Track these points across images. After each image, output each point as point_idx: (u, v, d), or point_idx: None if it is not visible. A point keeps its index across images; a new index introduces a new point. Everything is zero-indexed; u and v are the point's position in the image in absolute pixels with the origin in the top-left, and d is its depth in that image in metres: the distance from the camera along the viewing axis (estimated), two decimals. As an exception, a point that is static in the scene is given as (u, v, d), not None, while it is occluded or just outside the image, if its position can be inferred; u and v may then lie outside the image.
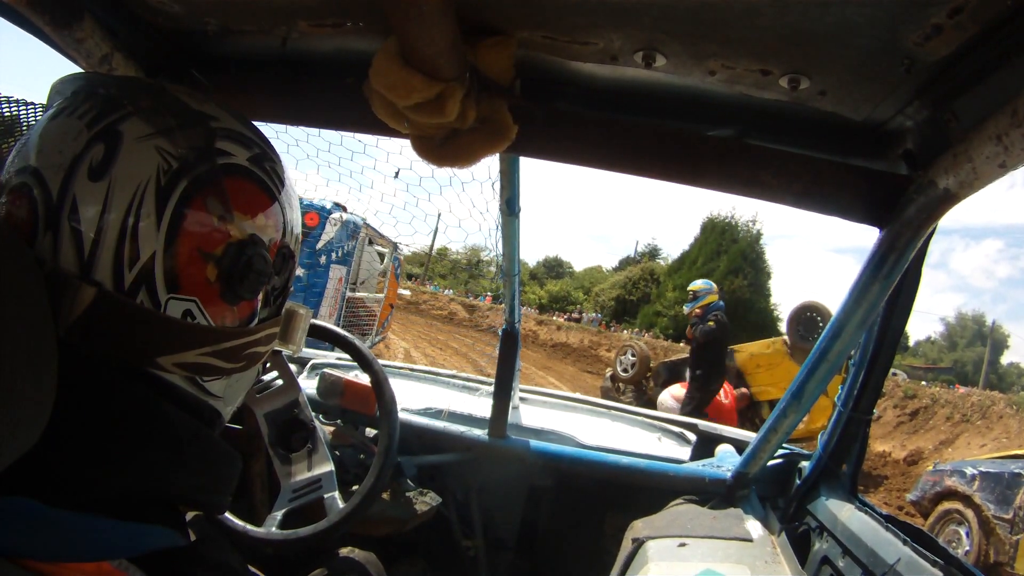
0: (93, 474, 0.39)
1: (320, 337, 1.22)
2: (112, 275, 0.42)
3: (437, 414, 1.52)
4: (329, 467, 1.13)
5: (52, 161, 0.43)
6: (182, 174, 0.44)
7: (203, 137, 0.46)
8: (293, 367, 1.21)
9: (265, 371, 1.17)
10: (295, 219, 0.54)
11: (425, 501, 1.29)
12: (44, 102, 0.52)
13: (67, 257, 0.42)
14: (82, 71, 0.51)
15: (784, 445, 1.26)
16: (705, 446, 1.53)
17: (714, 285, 5.63)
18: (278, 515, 1.10)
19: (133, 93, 0.47)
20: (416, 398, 1.65)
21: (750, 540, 1.04)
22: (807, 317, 6.18)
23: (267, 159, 0.51)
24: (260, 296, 0.51)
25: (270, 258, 0.50)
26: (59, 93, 0.49)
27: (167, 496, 0.45)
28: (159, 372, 0.45)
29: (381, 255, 8.24)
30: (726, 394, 5.50)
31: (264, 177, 0.50)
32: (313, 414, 1.18)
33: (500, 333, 1.43)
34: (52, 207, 0.42)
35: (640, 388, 7.71)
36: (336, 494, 1.11)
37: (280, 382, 1.17)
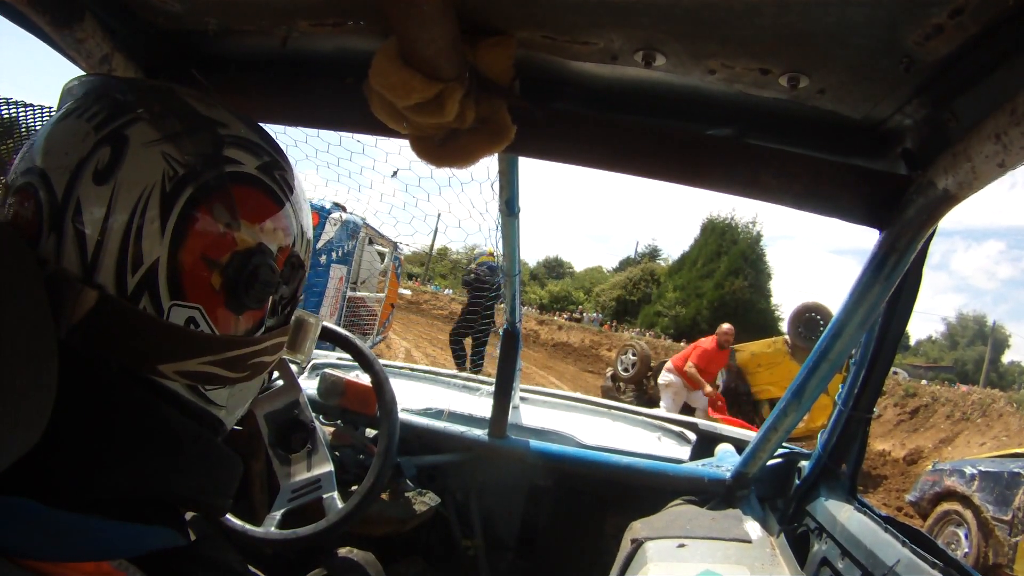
0: (92, 475, 0.39)
1: (321, 337, 1.22)
2: (115, 279, 0.42)
3: (437, 414, 1.52)
4: (329, 467, 1.13)
5: (58, 162, 0.43)
6: (187, 181, 0.44)
7: (210, 144, 0.46)
8: (293, 367, 1.21)
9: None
10: (306, 227, 0.53)
11: (425, 501, 1.29)
12: (43, 104, 0.52)
13: (70, 259, 0.42)
14: (96, 74, 0.51)
15: (784, 444, 1.26)
16: (705, 446, 1.52)
17: (488, 248, 7.13)
18: (277, 515, 1.10)
19: (142, 97, 0.46)
20: (416, 398, 1.65)
21: (749, 541, 1.04)
22: (808, 317, 6.19)
23: (277, 167, 0.50)
24: (267, 305, 0.51)
25: (278, 267, 0.50)
26: (70, 94, 0.48)
27: (167, 498, 0.45)
28: (160, 379, 0.45)
29: (381, 255, 8.24)
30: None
31: (273, 185, 0.49)
32: (313, 414, 1.18)
33: (501, 333, 1.43)
34: (57, 208, 0.42)
35: (641, 388, 7.72)
36: (335, 494, 1.11)
37: (280, 382, 1.17)
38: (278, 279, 0.50)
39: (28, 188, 0.43)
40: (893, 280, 0.78)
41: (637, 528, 1.12)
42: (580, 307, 28.64)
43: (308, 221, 0.54)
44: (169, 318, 0.44)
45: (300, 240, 0.52)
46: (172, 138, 0.44)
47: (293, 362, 0.62)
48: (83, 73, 0.69)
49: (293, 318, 0.57)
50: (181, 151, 0.44)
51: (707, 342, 6.22)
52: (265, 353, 0.52)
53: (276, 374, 1.17)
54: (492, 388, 1.43)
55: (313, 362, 1.77)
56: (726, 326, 6.32)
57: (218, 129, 0.47)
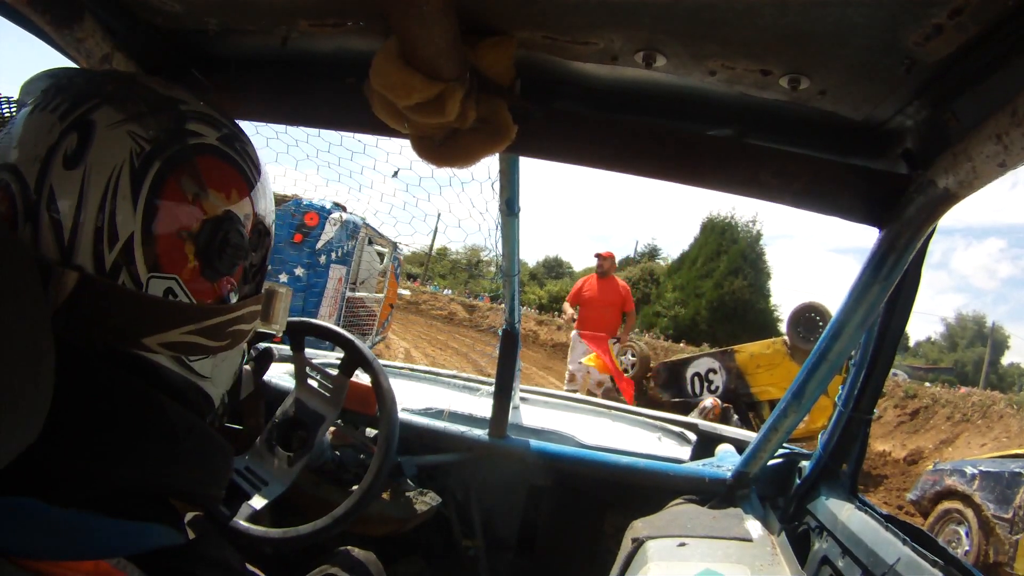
0: (91, 469, 0.39)
1: (320, 336, 1.22)
2: (93, 259, 0.43)
3: (437, 414, 1.52)
4: (280, 490, 1.10)
5: (27, 155, 0.44)
6: (155, 156, 0.45)
7: (173, 119, 0.47)
8: (293, 367, 1.22)
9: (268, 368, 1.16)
10: (268, 197, 0.55)
11: (425, 501, 1.29)
12: None
13: (47, 245, 0.43)
14: (50, 69, 0.52)
15: (784, 445, 1.26)
16: (705, 446, 1.53)
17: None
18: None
19: (102, 83, 0.47)
20: (416, 398, 1.65)
21: (750, 540, 1.04)
22: (807, 317, 6.17)
23: (236, 139, 0.52)
24: (239, 273, 0.52)
25: (246, 234, 0.52)
26: (28, 92, 0.50)
27: (165, 490, 0.45)
28: (145, 353, 0.46)
29: (381, 255, 8.24)
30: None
31: (235, 156, 0.51)
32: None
33: (500, 333, 1.43)
34: (30, 199, 0.43)
35: (640, 388, 7.71)
36: (255, 504, 1.07)
37: (278, 381, 1.17)
38: (247, 245, 0.52)
39: (0, 184, 0.44)
40: (892, 279, 0.78)
41: (638, 527, 1.12)
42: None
43: (270, 191, 0.56)
44: (148, 290, 0.45)
45: (264, 208, 0.54)
46: (136, 117, 0.45)
47: (269, 333, 0.63)
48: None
49: (264, 288, 0.59)
50: (146, 128, 0.45)
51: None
52: (242, 321, 0.53)
53: (289, 368, 1.16)
54: (492, 388, 1.43)
55: (313, 361, 1.76)
56: (605, 252, 5.88)
57: (179, 106, 0.49)
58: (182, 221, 0.46)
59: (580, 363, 5.46)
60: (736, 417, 5.62)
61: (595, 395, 5.72)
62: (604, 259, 5.80)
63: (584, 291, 5.80)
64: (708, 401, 5.58)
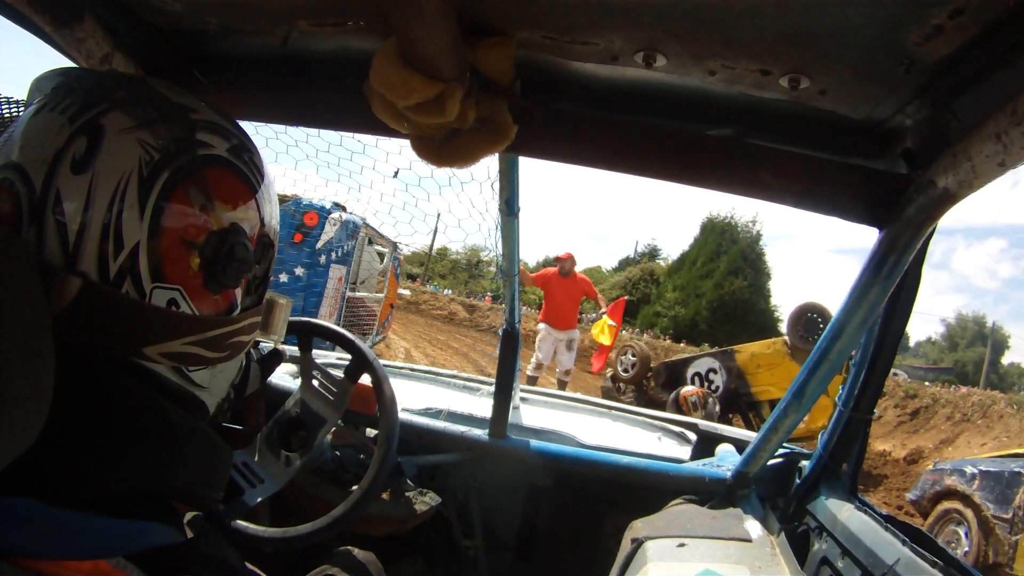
0: (91, 470, 0.39)
1: (320, 336, 1.22)
2: (97, 266, 0.43)
3: (437, 414, 1.52)
4: (274, 488, 1.09)
5: (35, 156, 0.43)
6: (164, 165, 0.45)
7: (183, 129, 0.47)
8: (294, 367, 1.21)
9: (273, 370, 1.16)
10: (274, 210, 0.55)
11: (425, 501, 1.29)
12: None
13: (52, 250, 0.42)
14: (61, 67, 0.52)
15: (784, 444, 1.26)
16: (705, 445, 1.53)
17: None
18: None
19: (113, 87, 0.47)
20: (417, 398, 1.65)
21: (749, 540, 1.04)
22: (808, 318, 6.18)
23: (245, 150, 0.51)
24: (242, 285, 0.52)
25: (251, 247, 0.51)
26: (38, 90, 0.49)
27: (164, 491, 0.45)
28: (145, 363, 0.46)
29: (381, 255, 8.24)
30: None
31: (243, 167, 0.51)
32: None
33: (500, 333, 1.43)
34: (36, 201, 0.43)
35: (641, 388, 7.71)
36: (248, 500, 1.06)
37: (279, 382, 1.16)
38: (252, 258, 0.52)
39: (5, 183, 0.44)
40: (893, 279, 0.78)
41: (637, 527, 1.12)
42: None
43: (275, 203, 0.56)
44: (151, 300, 0.45)
45: (269, 221, 0.54)
46: (146, 125, 0.45)
47: (265, 342, 0.63)
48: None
49: (264, 299, 0.58)
50: (156, 137, 0.45)
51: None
52: (242, 332, 0.53)
53: (288, 368, 1.16)
54: (492, 388, 1.43)
55: (317, 363, 1.76)
56: (563, 254, 6.25)
57: (190, 114, 0.48)
58: (188, 232, 0.46)
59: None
60: (717, 407, 5.59)
61: (563, 382, 6.16)
62: (564, 261, 6.18)
63: (548, 286, 6.21)
64: (689, 388, 5.53)
